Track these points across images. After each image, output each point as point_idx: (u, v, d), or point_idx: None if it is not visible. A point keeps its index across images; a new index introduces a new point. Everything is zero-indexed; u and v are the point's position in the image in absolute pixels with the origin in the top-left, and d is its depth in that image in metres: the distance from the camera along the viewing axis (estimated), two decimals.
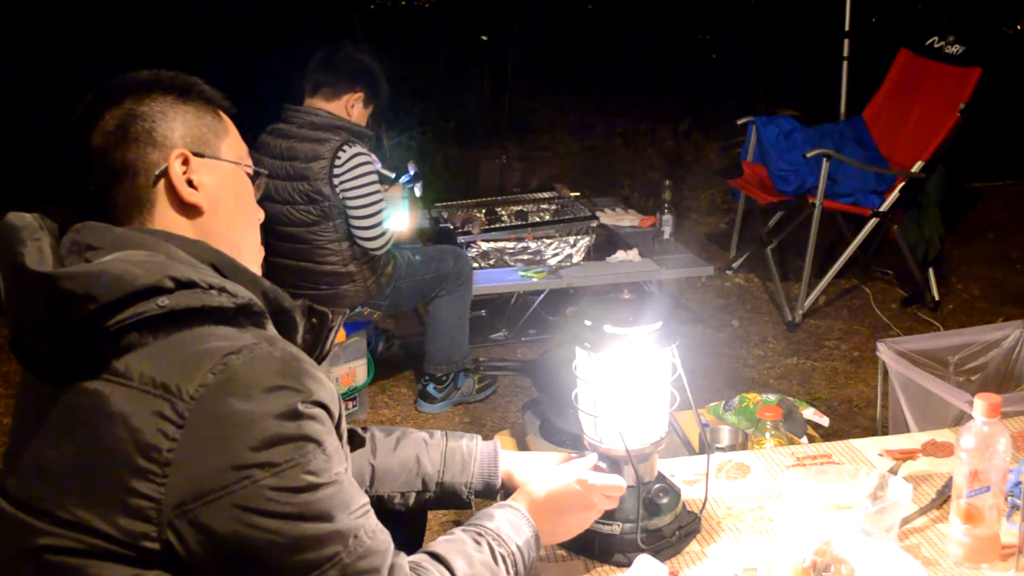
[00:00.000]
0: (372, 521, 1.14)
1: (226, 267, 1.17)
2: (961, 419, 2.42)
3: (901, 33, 4.93)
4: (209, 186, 1.24)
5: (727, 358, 4.01)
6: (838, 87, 5.10)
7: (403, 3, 10.16)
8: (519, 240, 4.04)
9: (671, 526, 1.51)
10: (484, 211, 4.36)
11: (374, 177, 3.27)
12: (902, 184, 4.31)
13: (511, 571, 1.31)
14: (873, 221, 4.32)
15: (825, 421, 2.46)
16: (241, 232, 1.28)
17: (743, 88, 7.25)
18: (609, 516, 1.50)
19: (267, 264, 3.25)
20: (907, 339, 2.99)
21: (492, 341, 4.13)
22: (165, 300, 1.05)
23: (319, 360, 1.24)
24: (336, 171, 3.20)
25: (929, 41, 4.63)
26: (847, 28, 5.01)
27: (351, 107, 3.33)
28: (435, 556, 1.25)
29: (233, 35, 7.73)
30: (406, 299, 3.57)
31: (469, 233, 4.02)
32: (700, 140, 6.77)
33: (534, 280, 3.93)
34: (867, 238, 4.41)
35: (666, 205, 4.35)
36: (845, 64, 5.05)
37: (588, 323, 1.48)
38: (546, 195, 4.65)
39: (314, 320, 1.25)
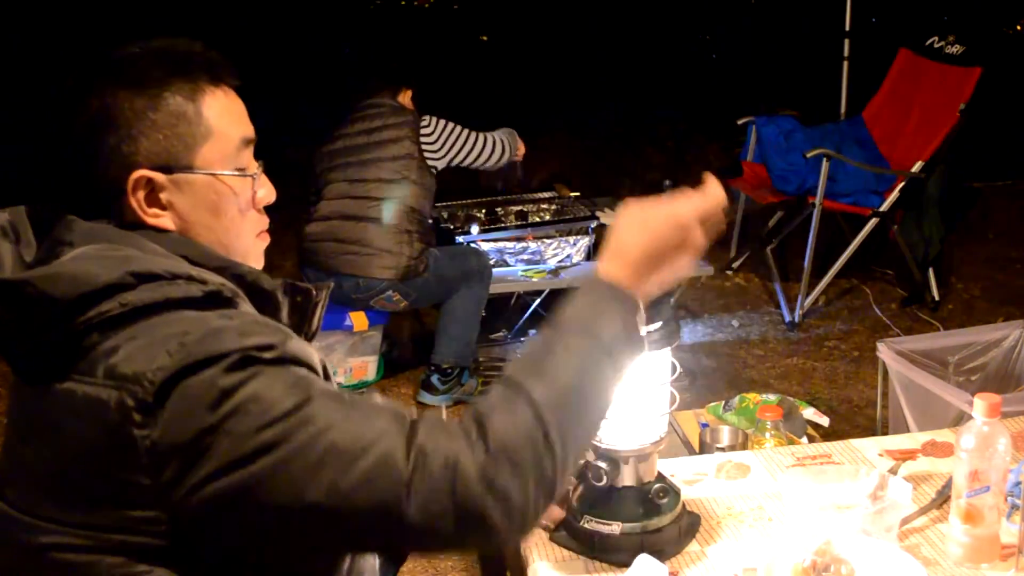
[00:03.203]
0: (374, 423, 1.01)
1: (198, 257, 1.11)
2: (961, 419, 2.42)
3: (901, 33, 4.93)
4: (179, 205, 1.13)
5: (727, 358, 4.01)
6: (838, 87, 5.10)
7: (403, 3, 10.17)
8: (519, 240, 4.04)
9: (671, 526, 1.51)
10: (484, 211, 4.36)
11: (452, 123, 3.66)
12: (902, 184, 4.31)
13: (614, 360, 1.11)
14: (873, 221, 4.32)
15: (825, 421, 2.46)
16: (226, 237, 1.17)
17: (743, 88, 7.26)
18: (609, 516, 1.50)
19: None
20: (907, 339, 2.99)
21: (492, 341, 4.13)
22: (127, 297, 1.01)
23: (309, 338, 1.19)
24: (425, 138, 3.57)
25: (929, 41, 4.63)
26: (847, 28, 5.01)
27: (408, 98, 3.67)
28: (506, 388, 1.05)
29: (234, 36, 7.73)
30: (431, 293, 3.65)
31: (469, 233, 4.02)
32: (700, 140, 6.77)
33: (534, 280, 3.93)
34: (867, 238, 4.41)
35: None
36: (845, 64, 5.05)
37: None
38: (546, 195, 4.65)
39: (298, 299, 1.19)
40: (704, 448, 2.15)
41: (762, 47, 8.15)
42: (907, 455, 1.76)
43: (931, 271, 4.46)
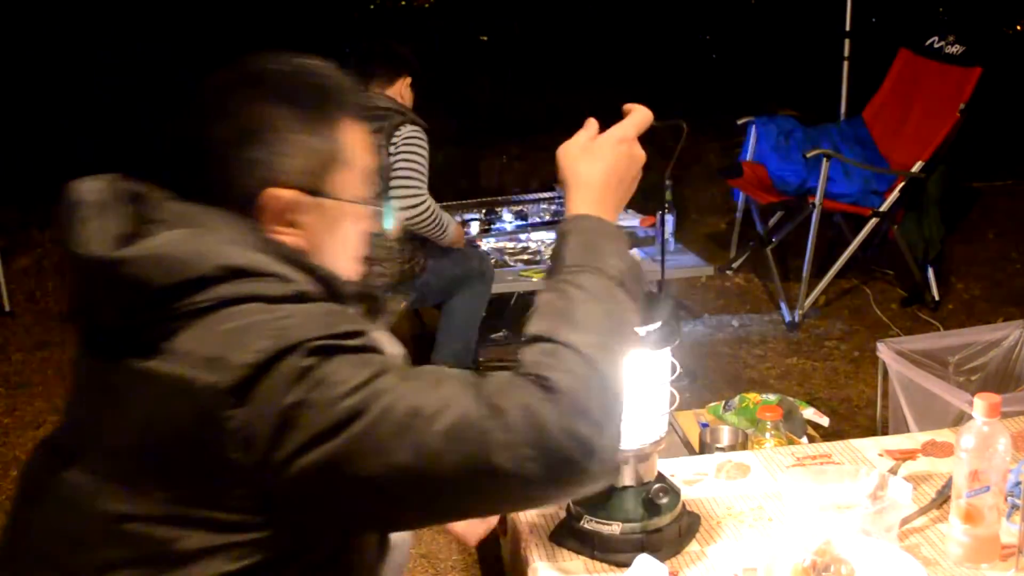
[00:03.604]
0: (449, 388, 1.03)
1: (288, 258, 1.11)
2: (961, 419, 2.42)
3: (901, 33, 4.94)
4: (306, 225, 1.15)
5: (727, 358, 4.01)
6: (838, 87, 5.10)
7: (403, 3, 10.17)
8: (519, 240, 4.04)
9: (671, 526, 1.51)
10: (484, 211, 4.36)
11: (424, 158, 3.40)
12: (902, 184, 4.31)
13: (626, 289, 1.14)
14: (873, 221, 4.32)
15: (825, 421, 2.46)
16: (334, 257, 1.19)
17: (743, 88, 7.26)
18: (609, 516, 1.50)
19: None
20: (907, 339, 2.99)
21: (492, 341, 4.13)
22: (220, 291, 1.03)
23: None
24: (392, 148, 3.37)
25: (929, 41, 4.63)
26: (847, 28, 5.01)
27: (404, 90, 3.56)
28: (542, 341, 1.06)
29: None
30: (432, 294, 3.65)
31: (469, 233, 4.02)
32: (700, 140, 6.77)
33: (534, 280, 3.93)
34: (867, 238, 4.41)
35: (666, 205, 4.34)
36: (845, 64, 5.05)
37: None
38: (546, 195, 4.65)
39: (367, 307, 1.21)
40: (704, 448, 2.15)
41: (762, 47, 8.16)
42: (907, 455, 1.76)
43: (931, 271, 4.46)
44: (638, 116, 1.25)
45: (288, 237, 1.14)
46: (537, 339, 1.06)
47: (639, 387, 1.49)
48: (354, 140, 1.18)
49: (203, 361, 1.00)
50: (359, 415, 0.99)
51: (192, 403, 1.00)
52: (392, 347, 1.11)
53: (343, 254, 1.21)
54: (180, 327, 1.03)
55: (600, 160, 1.21)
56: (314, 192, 1.14)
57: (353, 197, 1.18)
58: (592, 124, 1.24)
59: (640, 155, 1.24)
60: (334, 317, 1.05)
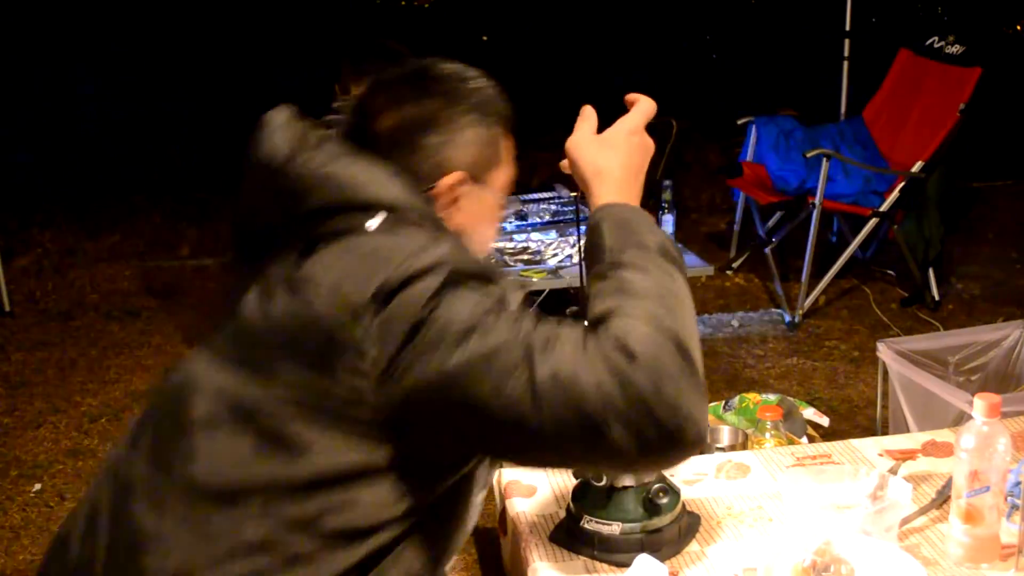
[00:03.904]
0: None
1: (440, 224, 1.21)
2: (961, 419, 2.42)
3: (901, 33, 4.94)
4: (467, 209, 1.26)
5: (727, 358, 4.01)
6: (838, 87, 5.10)
7: (403, 3, 10.17)
8: (519, 240, 4.04)
9: (671, 526, 1.51)
10: None
11: None
12: (902, 184, 4.31)
13: (671, 258, 1.17)
14: (873, 221, 4.32)
15: (825, 421, 2.46)
16: (471, 242, 1.25)
17: (743, 88, 7.26)
18: (609, 516, 1.50)
19: None
20: (907, 339, 2.99)
21: None
22: (374, 222, 1.12)
23: None
24: None
25: (929, 41, 4.63)
26: (847, 28, 5.01)
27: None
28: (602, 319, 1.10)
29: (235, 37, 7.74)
30: None
31: None
32: (700, 140, 6.77)
33: (534, 280, 3.93)
34: (867, 238, 4.41)
35: (666, 205, 4.34)
36: (845, 64, 5.05)
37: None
38: (546, 195, 4.65)
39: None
40: (704, 448, 2.15)
41: (762, 47, 8.16)
42: (907, 455, 1.76)
43: (931, 271, 4.46)
44: (644, 106, 1.28)
45: (450, 215, 1.24)
46: (603, 319, 1.08)
47: None
48: (510, 150, 1.31)
49: (345, 274, 1.10)
50: (478, 341, 1.05)
51: (330, 310, 1.09)
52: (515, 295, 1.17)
53: (480, 244, 1.31)
54: (331, 241, 1.13)
55: (617, 152, 1.24)
56: (481, 181, 1.26)
57: (502, 195, 1.31)
58: (590, 113, 1.28)
59: (650, 145, 1.28)
60: (470, 256, 1.14)
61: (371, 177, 1.16)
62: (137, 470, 1.19)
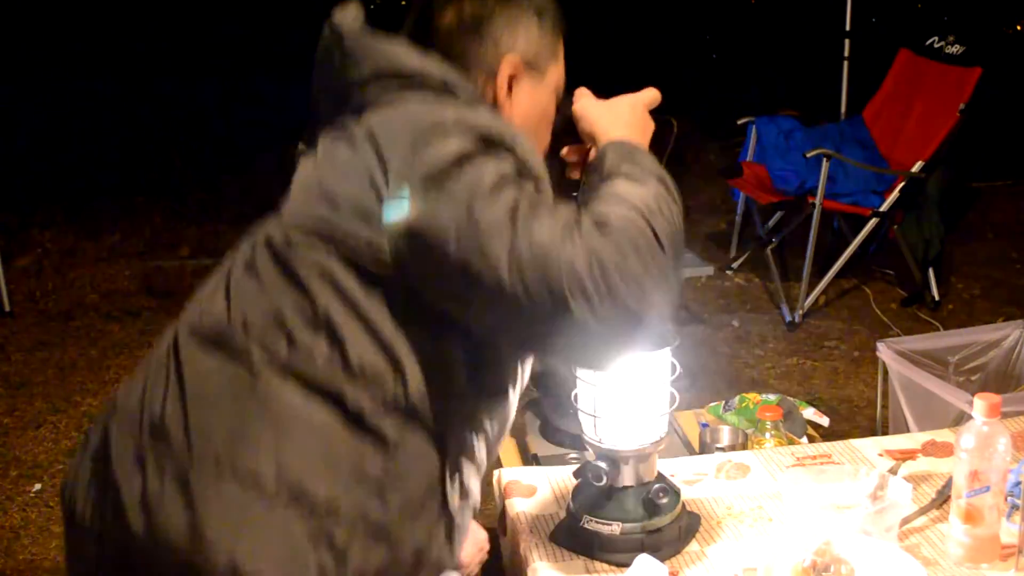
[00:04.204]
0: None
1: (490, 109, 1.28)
2: (961, 419, 2.42)
3: (901, 33, 4.93)
4: (521, 103, 1.31)
5: (727, 358, 4.01)
6: (838, 87, 5.10)
7: (403, 2, 10.16)
8: None
9: (671, 526, 1.51)
10: None
11: None
12: (902, 184, 4.31)
13: (664, 189, 1.22)
14: (873, 221, 4.32)
15: (825, 421, 2.46)
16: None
17: (743, 88, 7.25)
18: (609, 516, 1.50)
19: None
20: (907, 339, 2.99)
21: None
22: (422, 92, 1.21)
23: None
24: None
25: (929, 41, 4.63)
26: (847, 28, 5.01)
27: None
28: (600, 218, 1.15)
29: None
30: None
31: None
32: (700, 140, 6.77)
33: None
34: (867, 238, 4.41)
35: None
36: (845, 64, 5.05)
37: None
38: None
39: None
40: (704, 448, 2.15)
41: (762, 47, 8.16)
42: (907, 455, 1.76)
43: (931, 271, 4.46)
44: (648, 91, 1.37)
45: (505, 104, 1.30)
46: (588, 202, 1.16)
47: (639, 388, 1.49)
48: (560, 48, 1.36)
49: (387, 131, 1.17)
50: (484, 204, 1.10)
51: (368, 161, 1.16)
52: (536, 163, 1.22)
53: (538, 138, 1.34)
54: (379, 107, 1.21)
55: (622, 112, 1.32)
56: (537, 70, 1.32)
57: (555, 95, 1.36)
58: (586, 90, 1.37)
59: (650, 124, 1.34)
60: (504, 126, 1.19)
61: (424, 59, 1.24)
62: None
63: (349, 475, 1.16)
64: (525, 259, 1.08)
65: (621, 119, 1.31)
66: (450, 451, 1.24)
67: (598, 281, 1.06)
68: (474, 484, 1.32)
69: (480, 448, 1.30)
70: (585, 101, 1.35)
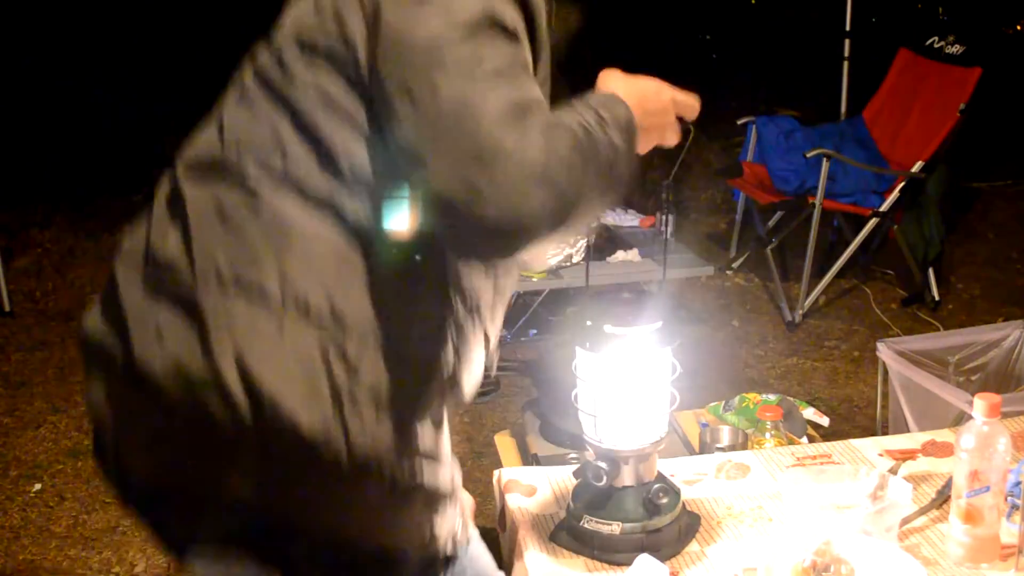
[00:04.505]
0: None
1: None
2: (961, 419, 2.42)
3: (901, 33, 4.93)
4: None
5: (727, 358, 4.01)
6: (838, 87, 5.10)
7: None
8: None
9: (671, 526, 1.52)
10: None
11: None
12: (902, 184, 4.31)
13: (625, 138, 1.24)
14: (873, 221, 4.32)
15: (825, 421, 2.47)
16: None
17: (743, 88, 7.25)
18: (609, 516, 1.50)
19: None
20: (907, 339, 2.99)
21: None
22: None
23: None
24: None
25: (929, 41, 4.63)
26: (847, 28, 5.01)
27: None
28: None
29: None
30: None
31: None
32: (700, 140, 6.77)
33: (534, 280, 3.93)
34: (867, 238, 4.41)
35: (666, 205, 4.34)
36: (845, 64, 5.05)
37: (588, 323, 1.49)
38: None
39: None
40: (704, 448, 2.15)
41: (762, 47, 8.15)
42: (907, 455, 1.76)
43: (931, 271, 4.46)
44: (687, 95, 1.39)
45: None
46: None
47: (639, 387, 1.49)
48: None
49: None
50: (461, 39, 1.08)
51: None
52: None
53: None
54: None
55: (643, 88, 1.32)
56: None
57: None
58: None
59: (665, 117, 1.36)
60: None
61: None
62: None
63: (353, 286, 1.15)
64: (452, 110, 1.07)
65: (635, 89, 1.30)
66: (454, 269, 1.23)
67: (487, 168, 1.05)
68: (487, 315, 1.30)
69: (487, 285, 1.28)
70: (610, 71, 1.35)
